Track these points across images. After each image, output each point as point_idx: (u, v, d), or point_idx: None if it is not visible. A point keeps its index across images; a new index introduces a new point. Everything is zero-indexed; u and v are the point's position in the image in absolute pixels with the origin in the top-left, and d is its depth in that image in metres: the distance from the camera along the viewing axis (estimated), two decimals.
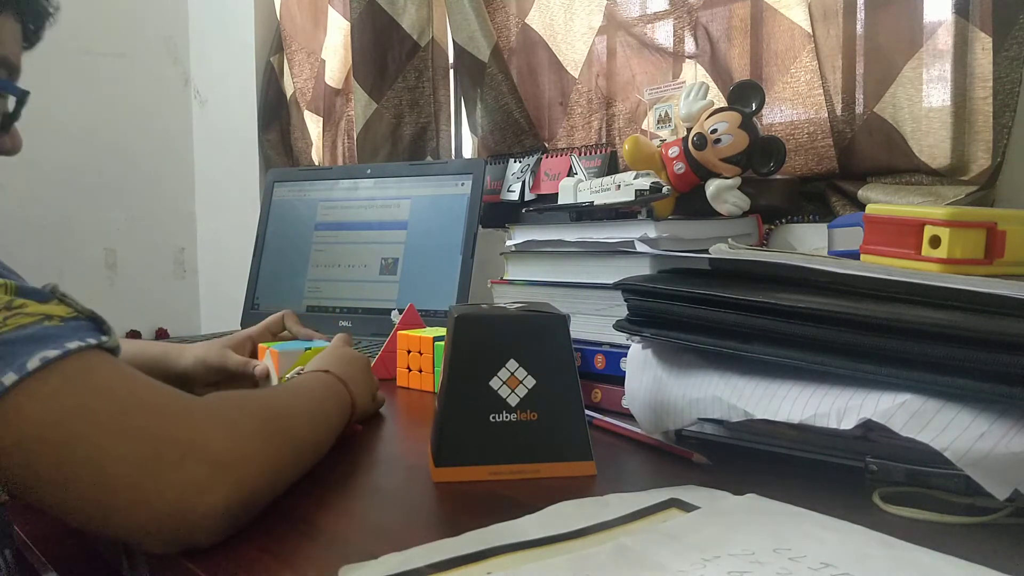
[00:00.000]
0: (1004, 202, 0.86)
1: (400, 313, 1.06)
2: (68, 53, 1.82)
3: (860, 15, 0.96)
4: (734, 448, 0.64)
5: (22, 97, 0.71)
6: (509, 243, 0.99)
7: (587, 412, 0.66)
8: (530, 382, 0.60)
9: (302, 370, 0.75)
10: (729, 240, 0.72)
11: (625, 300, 0.69)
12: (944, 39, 0.88)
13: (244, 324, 1.40)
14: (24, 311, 0.47)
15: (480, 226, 1.23)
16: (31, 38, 0.73)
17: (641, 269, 0.84)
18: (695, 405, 0.62)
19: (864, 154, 0.95)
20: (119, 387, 0.48)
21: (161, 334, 1.93)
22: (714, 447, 0.64)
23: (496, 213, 1.28)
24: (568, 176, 1.10)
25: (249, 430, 0.51)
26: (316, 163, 1.74)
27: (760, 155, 0.88)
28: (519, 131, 1.33)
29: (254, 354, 0.95)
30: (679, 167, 0.90)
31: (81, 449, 0.45)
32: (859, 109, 0.97)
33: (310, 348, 0.90)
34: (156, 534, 0.46)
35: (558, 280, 0.93)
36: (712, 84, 1.07)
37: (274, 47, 1.81)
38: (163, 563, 0.49)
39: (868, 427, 0.53)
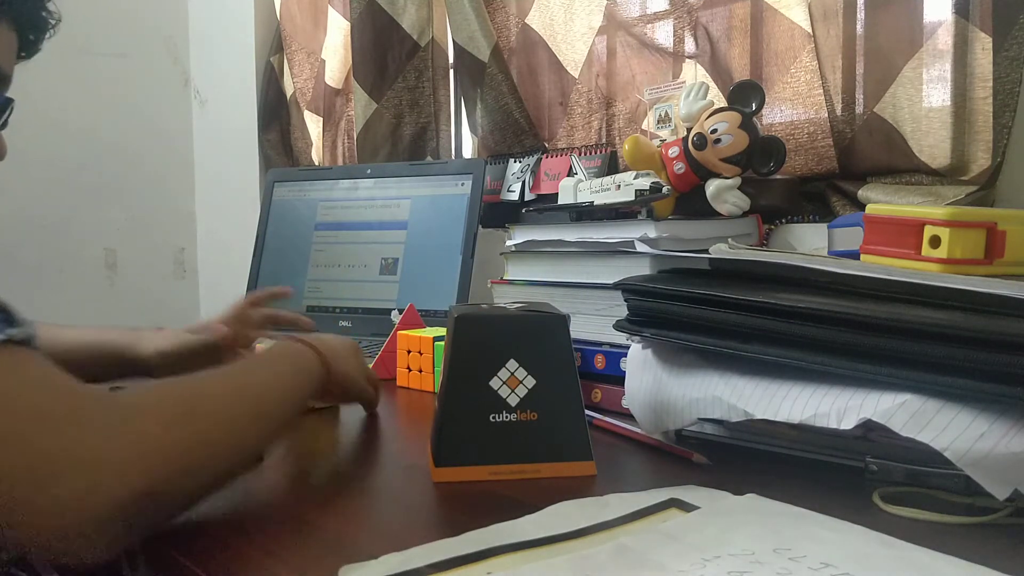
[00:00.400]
0: (1004, 202, 0.86)
1: (400, 313, 1.06)
2: (68, 53, 1.81)
3: (860, 15, 0.96)
4: (734, 448, 0.64)
5: (5, 105, 0.68)
6: (509, 243, 0.99)
7: (587, 412, 0.66)
8: (530, 382, 0.60)
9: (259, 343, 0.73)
10: (729, 240, 0.72)
11: (625, 300, 0.69)
12: (944, 39, 0.88)
13: None
14: None
15: (480, 226, 1.23)
16: (29, 49, 0.70)
17: (641, 269, 0.84)
18: (695, 405, 0.62)
19: (864, 154, 0.95)
20: (10, 391, 0.45)
21: None
22: (714, 447, 0.64)
23: (496, 213, 1.28)
24: (568, 176, 1.10)
25: (150, 422, 0.48)
26: (316, 163, 1.74)
27: (760, 155, 0.88)
28: (519, 131, 1.33)
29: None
30: (679, 167, 0.90)
31: None
32: (859, 109, 0.97)
33: None
34: (47, 549, 0.44)
35: (558, 280, 0.93)
36: (712, 84, 1.07)
37: (274, 47, 1.81)
38: (163, 563, 0.49)
39: (868, 427, 0.53)
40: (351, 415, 0.86)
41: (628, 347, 0.73)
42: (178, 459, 0.48)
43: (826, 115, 0.98)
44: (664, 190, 0.86)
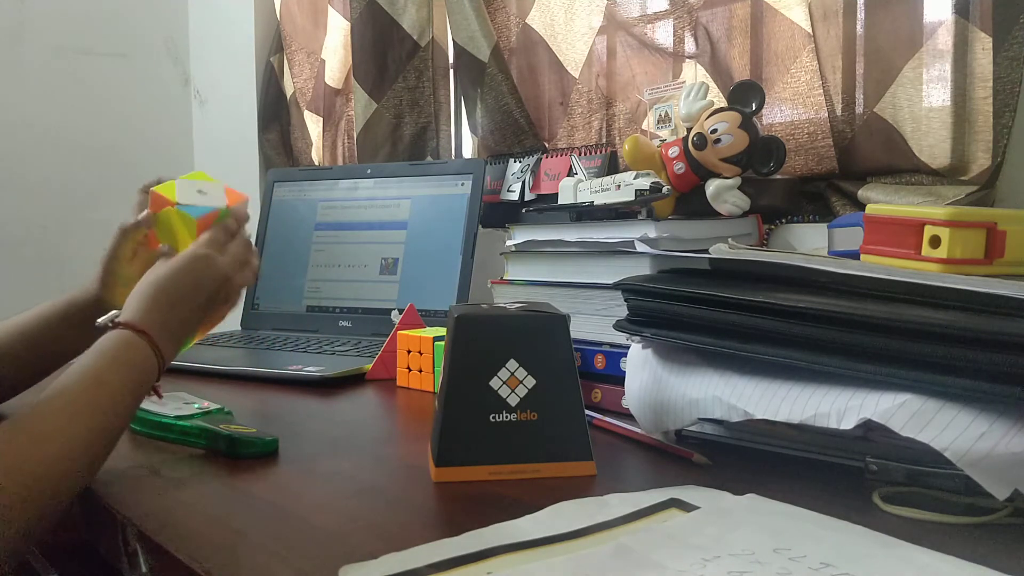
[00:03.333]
0: (1004, 202, 0.86)
1: (400, 313, 1.06)
2: (68, 53, 1.82)
3: (860, 15, 0.96)
4: (734, 448, 0.64)
5: None
6: (509, 243, 0.99)
7: (587, 412, 0.66)
8: (530, 382, 0.60)
9: (117, 315, 0.65)
10: (729, 240, 0.72)
11: (625, 300, 0.69)
12: (944, 39, 0.88)
13: (244, 324, 1.40)
14: None
15: (480, 226, 1.23)
16: None
17: (641, 269, 0.84)
18: (695, 405, 0.62)
19: (864, 154, 0.95)
20: None
21: None
22: (714, 447, 0.65)
23: (496, 213, 1.28)
24: (568, 176, 1.10)
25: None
26: (316, 163, 1.74)
27: (760, 155, 0.88)
28: (519, 131, 1.33)
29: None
30: (679, 167, 0.90)
31: None
32: (859, 109, 0.97)
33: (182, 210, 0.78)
34: None
35: (558, 280, 0.93)
36: (712, 84, 1.07)
37: (274, 47, 1.81)
38: (163, 562, 0.49)
39: (868, 427, 0.53)
40: (351, 414, 0.86)
41: (628, 347, 0.73)
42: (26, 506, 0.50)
43: (826, 115, 0.98)
44: (664, 190, 0.86)
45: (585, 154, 1.18)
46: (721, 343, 0.60)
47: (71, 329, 0.79)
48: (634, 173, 0.88)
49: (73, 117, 1.82)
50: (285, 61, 1.79)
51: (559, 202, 0.98)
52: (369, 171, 1.40)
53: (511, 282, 0.99)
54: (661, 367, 0.66)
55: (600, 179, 0.92)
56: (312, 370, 1.00)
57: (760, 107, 0.88)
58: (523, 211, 1.24)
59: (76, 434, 0.56)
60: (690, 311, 0.63)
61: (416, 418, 0.85)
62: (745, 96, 0.89)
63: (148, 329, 0.63)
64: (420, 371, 0.95)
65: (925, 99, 0.90)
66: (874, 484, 0.55)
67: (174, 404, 0.77)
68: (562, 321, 0.62)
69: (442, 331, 0.95)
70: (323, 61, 1.69)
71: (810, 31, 0.98)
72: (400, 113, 1.53)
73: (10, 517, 0.49)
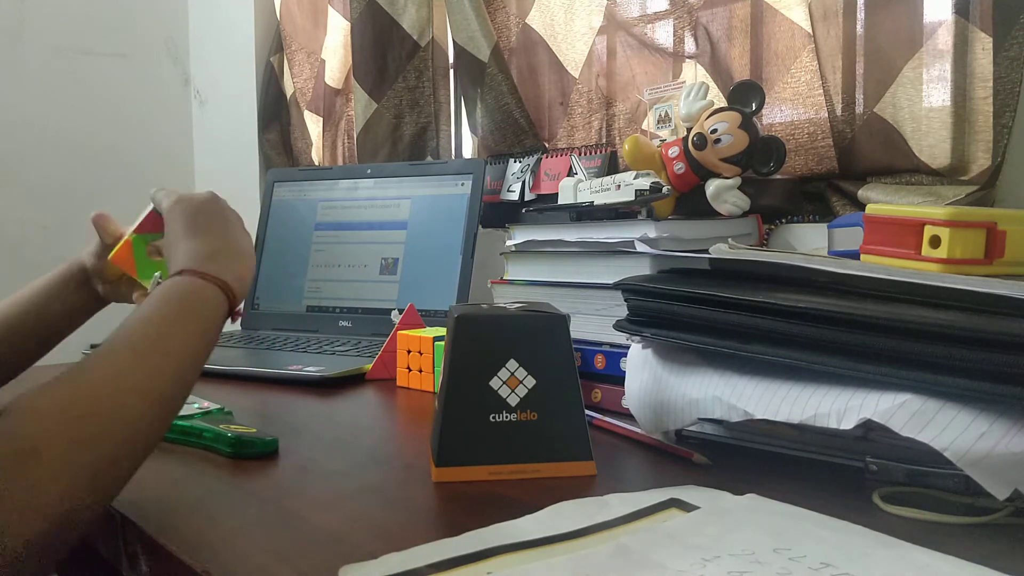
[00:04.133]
0: (1004, 202, 0.86)
1: (400, 313, 1.06)
2: (67, 53, 1.82)
3: (860, 15, 0.96)
4: (734, 448, 0.64)
5: None
6: (509, 243, 0.99)
7: (587, 412, 0.66)
8: (530, 382, 0.60)
9: (159, 277, 0.62)
10: (729, 240, 0.72)
11: (625, 300, 0.69)
12: (944, 39, 0.88)
13: (244, 324, 1.40)
14: None
15: (480, 226, 1.23)
16: None
17: (641, 269, 0.84)
18: (695, 405, 0.62)
19: (864, 154, 0.95)
20: None
21: None
22: (714, 447, 0.65)
23: (496, 213, 1.28)
24: (568, 176, 1.10)
25: (47, 459, 0.45)
26: (316, 163, 1.74)
27: (760, 155, 0.88)
28: (519, 131, 1.33)
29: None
30: (679, 167, 0.90)
31: None
32: (859, 109, 0.97)
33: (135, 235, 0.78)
34: None
35: (558, 280, 0.93)
36: (712, 84, 1.07)
37: (274, 47, 1.81)
38: (163, 562, 0.49)
39: (868, 427, 0.53)
40: (351, 414, 0.86)
41: (628, 347, 0.73)
42: (82, 487, 0.46)
43: (826, 115, 0.98)
44: (664, 190, 0.86)
45: (585, 154, 1.18)
46: (721, 343, 0.60)
47: (67, 296, 0.80)
48: (634, 173, 0.88)
49: (73, 117, 1.82)
50: (285, 61, 1.79)
51: (559, 202, 0.98)
52: (369, 171, 1.40)
53: (511, 282, 0.99)
54: (661, 367, 0.66)
55: (600, 179, 0.92)
56: (312, 370, 1.00)
57: (760, 107, 0.88)
58: (523, 211, 1.24)
59: (131, 386, 0.51)
60: (690, 311, 0.63)
61: (416, 418, 0.85)
62: (745, 96, 0.89)
63: (201, 268, 0.61)
64: (420, 371, 0.95)
65: (925, 99, 0.90)
66: (874, 484, 0.55)
67: None
68: (562, 321, 0.62)
69: (442, 331, 0.95)
70: (323, 61, 1.69)
71: (810, 31, 0.98)
72: (400, 113, 1.53)
73: (48, 485, 0.45)
